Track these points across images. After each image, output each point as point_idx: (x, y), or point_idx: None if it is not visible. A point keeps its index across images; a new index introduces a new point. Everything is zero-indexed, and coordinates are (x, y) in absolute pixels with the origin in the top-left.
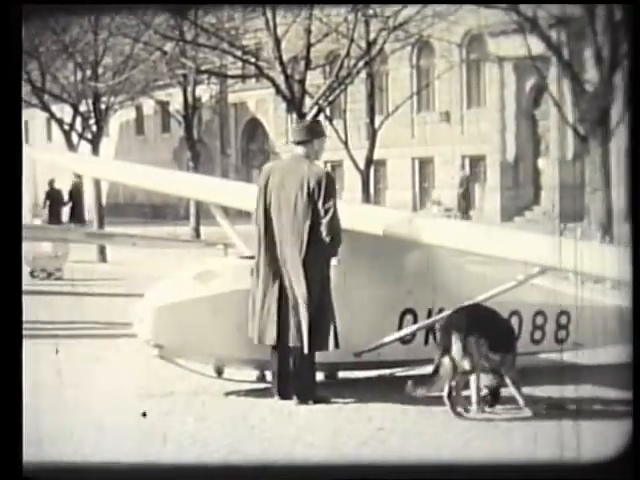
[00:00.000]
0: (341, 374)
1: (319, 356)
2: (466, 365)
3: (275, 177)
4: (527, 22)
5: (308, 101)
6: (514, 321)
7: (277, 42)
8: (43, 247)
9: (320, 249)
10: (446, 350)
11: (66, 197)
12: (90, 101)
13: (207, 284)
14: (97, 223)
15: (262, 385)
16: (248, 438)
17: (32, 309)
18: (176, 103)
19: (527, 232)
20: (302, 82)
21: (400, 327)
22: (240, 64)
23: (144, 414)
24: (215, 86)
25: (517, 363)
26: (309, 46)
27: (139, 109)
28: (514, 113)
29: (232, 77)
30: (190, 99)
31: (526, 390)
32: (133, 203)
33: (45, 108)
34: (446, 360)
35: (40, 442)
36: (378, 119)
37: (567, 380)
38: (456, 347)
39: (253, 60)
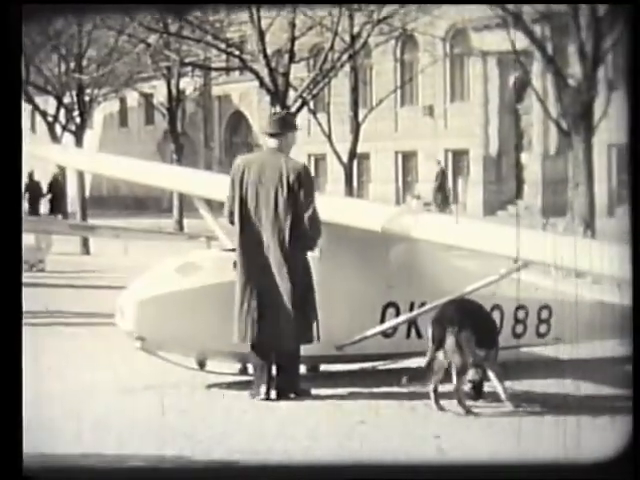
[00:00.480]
0: (322, 367)
1: (301, 349)
2: (456, 360)
3: (251, 171)
4: (511, 17)
5: (292, 94)
6: (495, 315)
7: (261, 35)
8: (25, 239)
9: (301, 243)
10: (440, 344)
11: (45, 189)
12: (74, 93)
13: (189, 277)
14: (80, 215)
15: (244, 377)
16: (231, 430)
17: None
18: (160, 95)
19: (510, 226)
20: (286, 75)
21: (382, 321)
22: (224, 57)
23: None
24: (199, 79)
25: (499, 357)
26: (293, 39)
27: (123, 101)
28: (497, 107)
29: (216, 70)
30: (174, 91)
31: (507, 384)
32: (116, 195)
33: (29, 100)
34: (440, 354)
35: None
36: (362, 113)
37: (545, 374)
38: (449, 341)
39: (237, 53)
